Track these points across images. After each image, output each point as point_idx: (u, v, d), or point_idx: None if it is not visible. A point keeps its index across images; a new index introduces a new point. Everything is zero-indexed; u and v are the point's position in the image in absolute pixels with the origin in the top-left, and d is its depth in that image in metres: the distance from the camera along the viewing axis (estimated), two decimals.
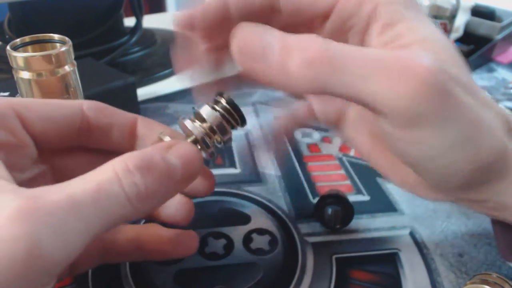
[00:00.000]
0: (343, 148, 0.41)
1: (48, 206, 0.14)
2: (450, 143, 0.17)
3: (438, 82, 0.16)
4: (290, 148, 0.41)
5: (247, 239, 0.30)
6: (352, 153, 0.40)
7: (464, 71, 0.19)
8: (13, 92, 0.40)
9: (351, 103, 0.23)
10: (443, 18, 0.52)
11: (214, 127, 0.22)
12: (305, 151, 0.41)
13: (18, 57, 0.26)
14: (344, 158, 0.40)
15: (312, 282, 0.27)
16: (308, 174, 0.37)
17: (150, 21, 0.71)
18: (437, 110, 0.17)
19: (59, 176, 0.23)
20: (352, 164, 0.39)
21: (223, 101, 0.22)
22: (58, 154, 0.23)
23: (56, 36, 0.29)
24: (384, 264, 0.29)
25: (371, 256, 0.29)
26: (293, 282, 0.27)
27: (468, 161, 0.18)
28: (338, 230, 0.31)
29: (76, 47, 0.29)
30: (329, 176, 0.37)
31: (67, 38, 0.28)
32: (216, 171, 0.37)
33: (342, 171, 0.38)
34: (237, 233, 0.31)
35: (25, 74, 0.27)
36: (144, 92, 0.51)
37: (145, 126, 0.24)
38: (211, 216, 0.32)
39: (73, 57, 0.29)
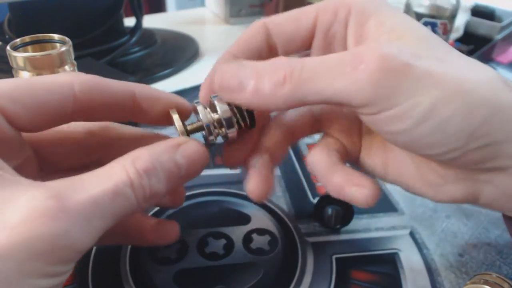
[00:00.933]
0: None
1: (76, 207, 0.16)
2: (430, 107, 0.18)
3: (391, 64, 0.18)
4: (290, 148, 0.41)
5: (247, 239, 0.30)
6: None
7: (432, 46, 0.20)
8: None
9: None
10: (443, 18, 0.52)
11: (223, 121, 0.23)
12: (305, 151, 0.41)
13: (18, 57, 0.26)
14: None
15: (312, 282, 0.27)
16: (308, 174, 0.37)
17: (150, 21, 0.71)
18: (398, 86, 0.18)
19: (44, 159, 0.23)
20: (352, 164, 0.39)
21: None
22: (45, 140, 0.23)
23: (56, 36, 0.29)
24: (384, 264, 0.29)
25: (371, 256, 0.29)
26: (293, 282, 0.27)
27: (463, 118, 0.18)
28: (338, 230, 0.31)
29: (76, 47, 0.29)
30: None
31: (67, 38, 0.28)
32: (216, 171, 0.37)
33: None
34: (237, 233, 0.31)
35: (25, 74, 0.27)
36: None
37: (144, 97, 0.24)
38: (211, 216, 0.32)
39: (73, 57, 0.29)
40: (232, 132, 0.23)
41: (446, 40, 0.54)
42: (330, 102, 0.20)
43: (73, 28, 0.55)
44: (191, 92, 0.51)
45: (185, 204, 0.33)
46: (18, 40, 0.28)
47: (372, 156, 0.26)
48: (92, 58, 0.47)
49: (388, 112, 0.19)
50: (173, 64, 0.58)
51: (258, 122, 0.24)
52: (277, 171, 0.38)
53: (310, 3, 0.73)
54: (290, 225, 0.32)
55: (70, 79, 0.21)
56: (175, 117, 0.23)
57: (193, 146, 0.20)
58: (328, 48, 0.25)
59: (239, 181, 0.36)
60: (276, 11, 0.63)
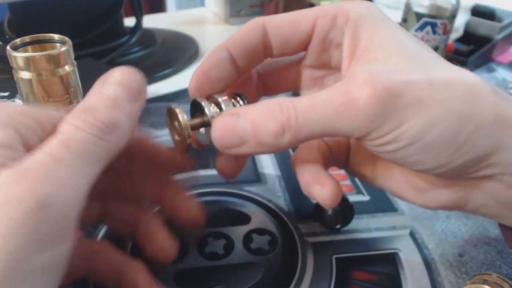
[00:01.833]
0: None
1: (36, 166, 0.16)
2: (418, 131, 0.19)
3: (382, 99, 0.19)
4: (290, 148, 0.41)
5: (247, 239, 0.30)
6: None
7: (419, 63, 0.21)
8: (13, 92, 0.40)
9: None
10: (443, 18, 0.52)
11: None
12: None
13: (18, 57, 0.26)
14: None
15: (312, 282, 0.27)
16: None
17: (150, 21, 0.71)
18: (389, 117, 0.19)
19: None
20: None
21: (241, 99, 0.24)
22: None
23: (56, 36, 0.29)
24: (384, 264, 0.29)
25: (371, 256, 0.29)
26: (293, 282, 0.27)
27: (448, 138, 0.19)
28: (338, 230, 0.31)
29: (76, 47, 0.29)
30: None
31: (67, 38, 0.28)
32: (216, 171, 0.37)
33: (342, 171, 0.38)
34: (237, 233, 0.31)
35: (25, 74, 0.27)
36: None
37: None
38: (211, 216, 0.32)
39: (73, 57, 0.29)
40: None
41: (446, 40, 0.54)
42: (331, 136, 0.22)
43: (73, 28, 0.55)
44: None
45: None
46: (18, 40, 0.28)
47: (360, 162, 0.27)
48: (92, 58, 0.47)
49: (380, 139, 0.20)
50: (173, 64, 0.58)
51: None
52: (277, 171, 0.38)
53: (310, 3, 0.73)
54: (290, 225, 0.32)
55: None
56: (178, 110, 0.23)
57: (117, 71, 0.21)
58: (323, 53, 0.26)
59: (239, 181, 0.36)
60: (276, 11, 0.63)
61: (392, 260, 0.29)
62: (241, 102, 0.24)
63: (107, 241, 0.24)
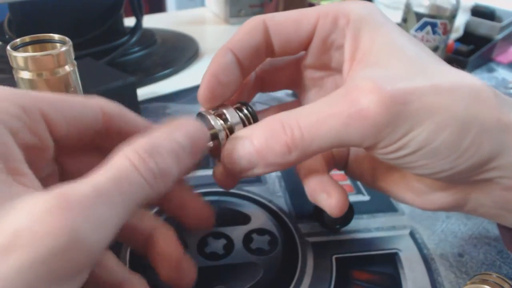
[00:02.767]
0: None
1: (78, 198, 0.15)
2: (424, 138, 0.20)
3: (390, 107, 0.19)
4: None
5: (247, 239, 0.30)
6: None
7: (420, 68, 0.21)
8: None
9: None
10: (443, 18, 0.52)
11: (234, 128, 0.24)
12: None
13: (18, 57, 0.26)
14: None
15: (312, 282, 0.27)
16: None
17: (150, 21, 0.71)
18: (397, 125, 0.19)
19: (66, 177, 0.23)
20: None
21: (245, 109, 0.25)
22: (69, 155, 0.23)
23: (56, 36, 0.29)
24: (384, 264, 0.29)
25: (371, 256, 0.29)
26: (293, 282, 0.27)
27: (453, 144, 0.19)
28: (338, 230, 0.31)
29: (76, 47, 0.29)
30: None
31: (67, 38, 0.28)
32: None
33: (342, 171, 0.38)
34: (237, 233, 0.31)
35: (25, 74, 0.27)
36: (144, 92, 0.51)
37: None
38: None
39: (73, 57, 0.29)
40: None
41: (446, 40, 0.54)
42: (339, 147, 0.22)
43: (73, 28, 0.55)
44: (191, 92, 0.52)
45: None
46: (18, 40, 0.28)
47: (360, 164, 0.27)
48: (92, 58, 0.47)
49: (388, 148, 0.20)
50: (173, 64, 0.58)
51: None
52: (278, 172, 0.38)
53: (310, 3, 0.73)
54: (290, 225, 0.32)
55: (101, 101, 0.22)
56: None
57: (188, 123, 0.20)
58: (324, 54, 0.25)
59: (239, 181, 0.36)
60: (276, 11, 0.63)
61: (392, 260, 0.29)
62: (245, 111, 0.25)
63: (109, 251, 0.24)
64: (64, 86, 0.28)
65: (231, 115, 0.24)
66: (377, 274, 0.28)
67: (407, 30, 0.54)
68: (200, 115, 0.24)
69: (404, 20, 0.55)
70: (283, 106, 0.29)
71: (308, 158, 0.21)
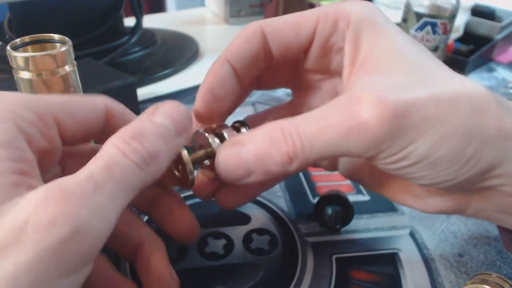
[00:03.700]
0: None
1: (73, 187, 0.15)
2: (426, 150, 0.19)
3: (391, 121, 0.19)
4: None
5: (247, 239, 0.30)
6: None
7: (422, 75, 0.20)
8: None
9: None
10: (443, 18, 0.52)
11: None
12: None
13: (18, 57, 0.26)
14: None
15: (312, 282, 0.27)
16: (308, 174, 0.37)
17: (150, 21, 0.71)
18: (398, 137, 0.19)
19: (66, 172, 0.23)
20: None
21: (243, 128, 0.25)
22: (71, 156, 0.23)
23: (56, 36, 0.29)
24: (384, 264, 0.29)
25: (371, 256, 0.29)
26: (293, 282, 0.27)
27: (455, 155, 0.19)
28: (338, 230, 0.31)
29: (76, 47, 0.29)
30: (329, 176, 0.37)
31: (67, 38, 0.28)
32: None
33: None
34: (237, 233, 0.31)
35: (25, 74, 0.27)
36: (144, 92, 0.51)
37: None
38: (211, 216, 0.32)
39: (73, 57, 0.29)
40: None
41: (446, 40, 0.54)
42: (337, 157, 0.22)
43: (73, 28, 0.55)
44: (191, 92, 0.52)
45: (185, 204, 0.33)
46: (18, 40, 0.28)
47: (358, 169, 0.27)
48: (92, 58, 0.47)
49: (388, 159, 0.20)
50: (173, 64, 0.58)
51: None
52: None
53: (310, 3, 0.72)
54: (290, 225, 0.32)
55: (105, 99, 0.22)
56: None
57: (168, 104, 0.20)
58: (324, 58, 0.25)
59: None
60: (276, 11, 0.63)
61: (392, 260, 0.29)
62: (243, 130, 0.24)
63: (104, 256, 0.24)
64: (64, 86, 0.28)
65: (229, 133, 0.23)
66: (377, 274, 0.28)
67: (407, 30, 0.54)
68: (197, 133, 0.24)
69: (404, 20, 0.55)
70: (279, 109, 0.29)
71: (307, 167, 0.21)
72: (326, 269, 0.28)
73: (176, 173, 0.24)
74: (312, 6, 0.68)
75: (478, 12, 0.64)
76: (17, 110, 0.18)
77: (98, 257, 0.22)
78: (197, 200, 0.34)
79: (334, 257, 0.29)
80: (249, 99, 0.49)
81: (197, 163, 0.23)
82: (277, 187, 0.36)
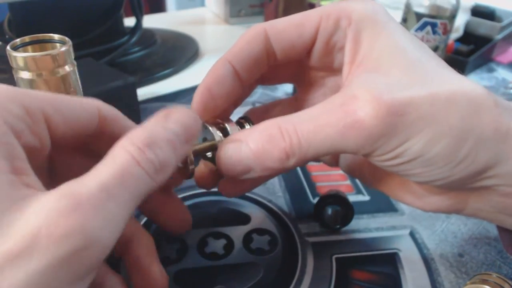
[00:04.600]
0: None
1: (87, 197, 0.15)
2: (421, 148, 0.19)
3: (386, 118, 0.19)
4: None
5: (247, 239, 0.30)
6: None
7: (420, 73, 0.21)
8: None
9: None
10: (443, 18, 0.52)
11: None
12: None
13: (18, 57, 0.26)
14: None
15: (312, 282, 0.27)
16: (308, 174, 0.37)
17: (150, 21, 0.71)
18: (393, 134, 0.19)
19: (55, 174, 0.23)
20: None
21: (247, 124, 0.25)
22: (60, 154, 0.23)
23: (56, 36, 0.29)
24: (384, 264, 0.29)
25: (371, 256, 0.29)
26: (293, 282, 0.27)
27: (450, 153, 0.20)
28: (338, 230, 0.31)
29: (76, 47, 0.29)
30: (329, 176, 0.37)
31: (67, 38, 0.28)
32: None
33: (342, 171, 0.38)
34: (237, 233, 0.31)
35: (25, 74, 0.27)
36: (144, 92, 0.51)
37: None
38: (211, 216, 0.32)
39: (73, 57, 0.29)
40: None
41: (446, 40, 0.54)
42: (334, 154, 0.22)
43: (73, 28, 0.55)
44: (191, 92, 0.51)
45: (185, 204, 0.33)
46: (18, 40, 0.28)
47: (359, 166, 0.27)
48: (92, 58, 0.47)
49: (383, 156, 0.20)
50: (173, 64, 0.58)
51: None
52: None
53: (310, 3, 0.72)
54: (290, 225, 0.32)
55: (98, 103, 0.22)
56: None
57: (180, 111, 0.20)
58: (327, 56, 0.25)
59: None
60: (276, 11, 0.63)
61: (392, 260, 0.29)
62: (247, 126, 0.25)
63: None
64: (64, 86, 0.28)
65: (232, 128, 0.24)
66: (377, 274, 0.28)
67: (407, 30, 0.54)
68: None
69: (404, 20, 0.55)
70: (284, 102, 0.29)
71: (305, 164, 0.22)
72: (326, 269, 0.28)
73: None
74: (312, 6, 0.68)
75: (478, 12, 0.64)
76: (5, 104, 0.17)
77: None
78: (197, 200, 0.34)
79: (334, 257, 0.29)
80: (249, 99, 0.49)
81: (198, 154, 0.24)
82: (277, 187, 0.36)
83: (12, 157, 0.16)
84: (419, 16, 0.53)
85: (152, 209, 0.26)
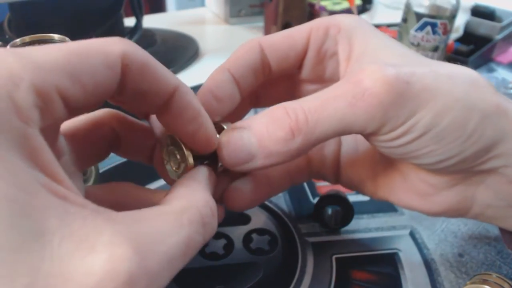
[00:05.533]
0: None
1: (156, 268, 0.14)
2: (430, 120, 0.19)
3: (395, 85, 0.19)
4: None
5: (247, 239, 0.30)
6: None
7: (414, 60, 0.21)
8: None
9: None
10: (443, 18, 0.52)
11: None
12: None
13: None
14: None
15: (312, 282, 0.27)
16: None
17: (150, 21, 0.71)
18: (403, 106, 0.19)
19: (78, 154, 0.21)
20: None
21: None
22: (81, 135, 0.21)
23: (56, 36, 0.29)
24: (384, 264, 0.29)
25: (371, 256, 0.29)
26: (293, 282, 0.27)
27: (459, 127, 0.20)
28: (338, 230, 0.31)
29: None
30: None
31: (67, 38, 0.28)
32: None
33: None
34: (237, 233, 0.31)
35: None
36: None
37: (181, 100, 0.20)
38: None
39: None
40: None
41: (446, 40, 0.54)
42: (342, 135, 0.21)
43: (73, 28, 0.55)
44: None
45: None
46: (18, 40, 0.28)
47: (357, 175, 0.27)
48: None
49: (393, 133, 0.20)
50: (173, 64, 0.58)
51: None
52: None
53: (310, 3, 0.72)
54: (290, 225, 0.32)
55: (125, 46, 0.18)
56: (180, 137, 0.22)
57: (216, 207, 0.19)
58: (318, 65, 0.26)
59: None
60: (276, 11, 0.63)
61: (392, 260, 0.29)
62: None
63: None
64: None
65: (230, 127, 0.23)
66: (377, 274, 0.28)
67: (407, 30, 0.54)
68: None
69: (404, 20, 0.55)
70: None
71: (310, 148, 0.21)
72: (326, 269, 0.28)
73: (172, 166, 0.23)
74: (312, 5, 0.68)
75: (478, 12, 0.64)
76: (12, 93, 0.13)
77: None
78: None
79: (334, 257, 0.29)
80: None
81: (197, 159, 0.23)
82: None
83: (43, 164, 0.13)
84: (419, 16, 0.53)
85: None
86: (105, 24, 0.56)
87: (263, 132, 0.20)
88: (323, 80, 0.26)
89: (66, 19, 0.54)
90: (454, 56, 0.58)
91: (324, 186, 0.36)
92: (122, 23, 0.60)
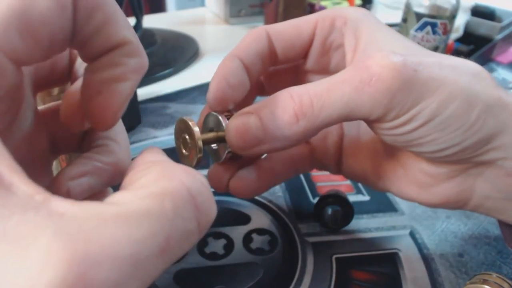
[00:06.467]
0: None
1: (101, 278, 0.10)
2: (435, 109, 0.20)
3: (402, 72, 0.19)
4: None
5: (247, 239, 0.30)
6: None
7: (419, 51, 0.22)
8: None
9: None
10: (443, 18, 0.52)
11: None
12: None
13: None
14: None
15: (312, 282, 0.27)
16: (308, 174, 0.37)
17: (150, 21, 0.71)
18: (409, 93, 0.19)
19: (54, 140, 0.20)
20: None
21: None
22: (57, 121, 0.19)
23: None
24: (384, 264, 0.29)
25: (371, 256, 0.29)
26: (293, 282, 0.27)
27: (462, 115, 0.20)
28: (338, 230, 0.31)
29: None
30: (329, 176, 0.37)
31: None
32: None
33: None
34: (237, 233, 0.31)
35: None
36: (144, 92, 0.51)
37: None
38: None
39: None
40: None
41: (446, 40, 0.54)
42: (346, 120, 0.21)
43: None
44: (191, 92, 0.52)
45: None
46: None
47: (359, 165, 0.27)
48: None
49: (397, 120, 0.20)
50: (173, 64, 0.58)
51: None
52: None
53: (310, 3, 0.72)
54: (290, 225, 0.32)
55: None
56: (192, 122, 0.22)
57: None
58: (323, 57, 0.26)
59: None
60: (276, 11, 0.63)
61: (392, 260, 0.29)
62: None
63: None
64: (64, 86, 0.28)
65: None
66: (377, 274, 0.28)
67: (407, 30, 0.54)
68: (209, 115, 0.24)
69: (404, 20, 0.55)
70: None
71: (316, 132, 0.21)
72: (326, 269, 0.28)
73: (184, 151, 0.24)
74: (312, 6, 0.68)
75: (478, 12, 0.64)
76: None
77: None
78: None
79: (334, 257, 0.29)
80: None
81: (206, 144, 0.23)
82: (277, 187, 0.36)
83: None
84: (419, 16, 0.53)
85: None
86: None
87: (268, 117, 0.21)
88: (328, 71, 0.26)
89: None
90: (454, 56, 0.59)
91: (324, 186, 0.36)
92: None
